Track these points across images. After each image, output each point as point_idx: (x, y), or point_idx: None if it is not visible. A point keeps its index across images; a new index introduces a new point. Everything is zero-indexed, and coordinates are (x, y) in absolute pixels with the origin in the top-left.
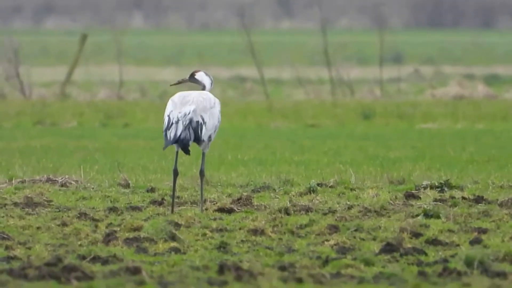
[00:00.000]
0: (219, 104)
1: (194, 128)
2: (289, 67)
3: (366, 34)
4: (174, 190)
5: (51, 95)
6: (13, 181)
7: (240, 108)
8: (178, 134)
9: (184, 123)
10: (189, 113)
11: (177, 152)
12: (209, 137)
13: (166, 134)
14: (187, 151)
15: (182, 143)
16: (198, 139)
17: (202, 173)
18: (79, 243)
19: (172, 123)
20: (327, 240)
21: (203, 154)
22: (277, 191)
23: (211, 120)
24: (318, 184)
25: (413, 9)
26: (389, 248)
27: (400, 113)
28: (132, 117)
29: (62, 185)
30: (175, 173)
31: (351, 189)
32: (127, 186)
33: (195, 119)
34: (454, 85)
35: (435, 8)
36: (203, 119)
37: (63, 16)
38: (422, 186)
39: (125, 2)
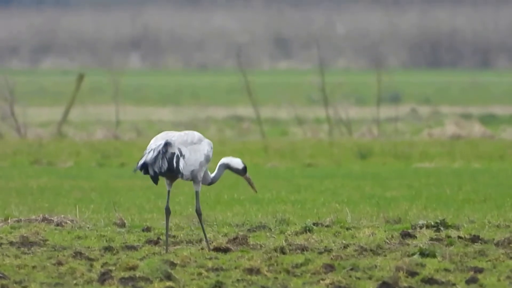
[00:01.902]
0: (209, 145)
1: (169, 158)
2: (287, 107)
3: (364, 74)
4: (167, 228)
5: (47, 134)
6: (9, 221)
7: (236, 148)
8: (148, 160)
9: (156, 152)
10: (164, 145)
11: (168, 191)
12: (192, 172)
13: (138, 162)
14: (155, 179)
15: (152, 170)
16: (173, 171)
17: (198, 212)
18: (74, 282)
19: (145, 153)
20: (322, 279)
21: (196, 193)
22: (273, 230)
23: (193, 155)
24: (314, 224)
25: (411, 49)
26: (385, 287)
27: (397, 153)
28: (129, 157)
29: (57, 225)
30: (167, 212)
31: (347, 228)
32: (122, 225)
33: (170, 150)
34: (451, 125)
35: (433, 48)
36: (180, 152)
37: (60, 56)
38: (418, 225)
39: (123, 42)
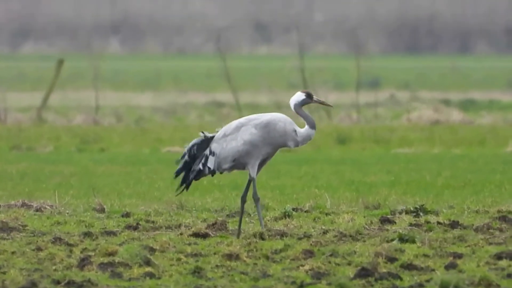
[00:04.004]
0: (258, 126)
1: (198, 162)
2: (266, 92)
3: (343, 60)
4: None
5: (27, 120)
6: None
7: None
8: (179, 167)
9: (184, 158)
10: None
11: (249, 181)
12: (237, 160)
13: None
14: (187, 185)
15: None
16: (204, 173)
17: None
18: (54, 268)
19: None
20: (302, 265)
21: (249, 181)
22: (252, 216)
23: (227, 145)
24: (293, 209)
25: (390, 35)
26: (364, 273)
27: (377, 138)
28: (108, 142)
29: (37, 210)
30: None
31: (327, 214)
32: (102, 211)
33: (201, 153)
34: (430, 110)
35: (412, 34)
36: (210, 150)
37: (39, 41)
38: (398, 211)
39: (102, 27)
